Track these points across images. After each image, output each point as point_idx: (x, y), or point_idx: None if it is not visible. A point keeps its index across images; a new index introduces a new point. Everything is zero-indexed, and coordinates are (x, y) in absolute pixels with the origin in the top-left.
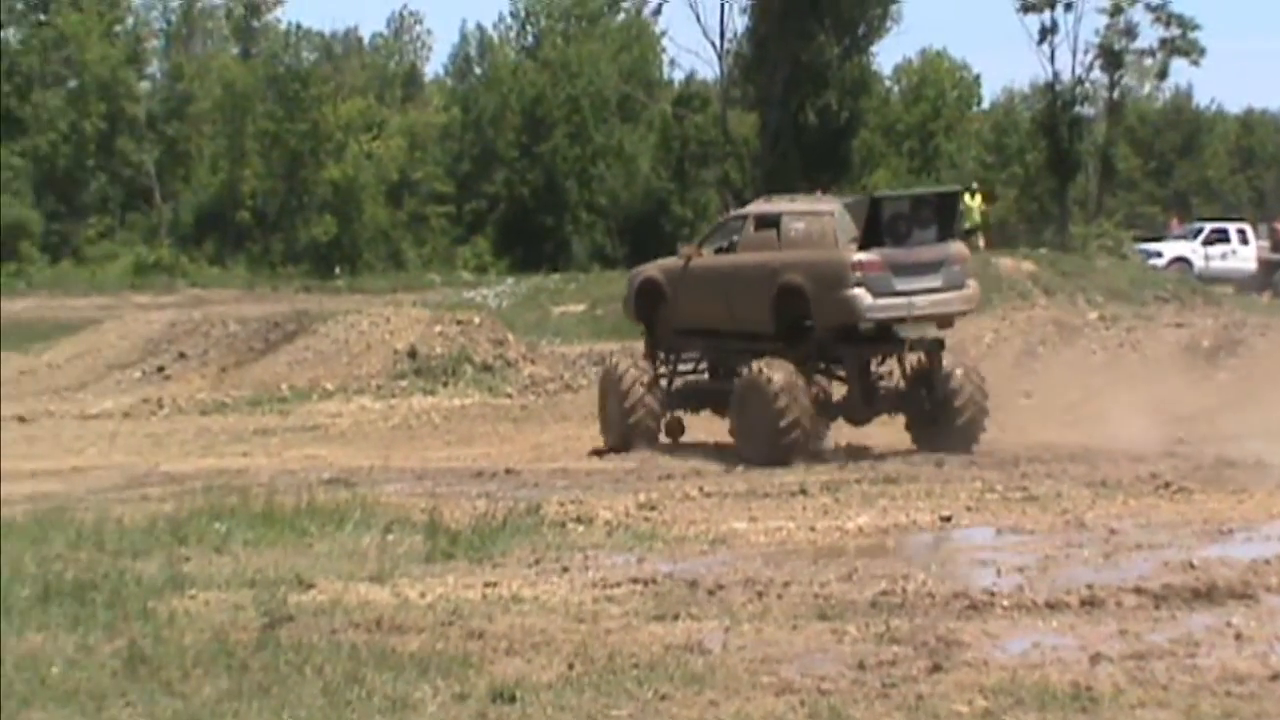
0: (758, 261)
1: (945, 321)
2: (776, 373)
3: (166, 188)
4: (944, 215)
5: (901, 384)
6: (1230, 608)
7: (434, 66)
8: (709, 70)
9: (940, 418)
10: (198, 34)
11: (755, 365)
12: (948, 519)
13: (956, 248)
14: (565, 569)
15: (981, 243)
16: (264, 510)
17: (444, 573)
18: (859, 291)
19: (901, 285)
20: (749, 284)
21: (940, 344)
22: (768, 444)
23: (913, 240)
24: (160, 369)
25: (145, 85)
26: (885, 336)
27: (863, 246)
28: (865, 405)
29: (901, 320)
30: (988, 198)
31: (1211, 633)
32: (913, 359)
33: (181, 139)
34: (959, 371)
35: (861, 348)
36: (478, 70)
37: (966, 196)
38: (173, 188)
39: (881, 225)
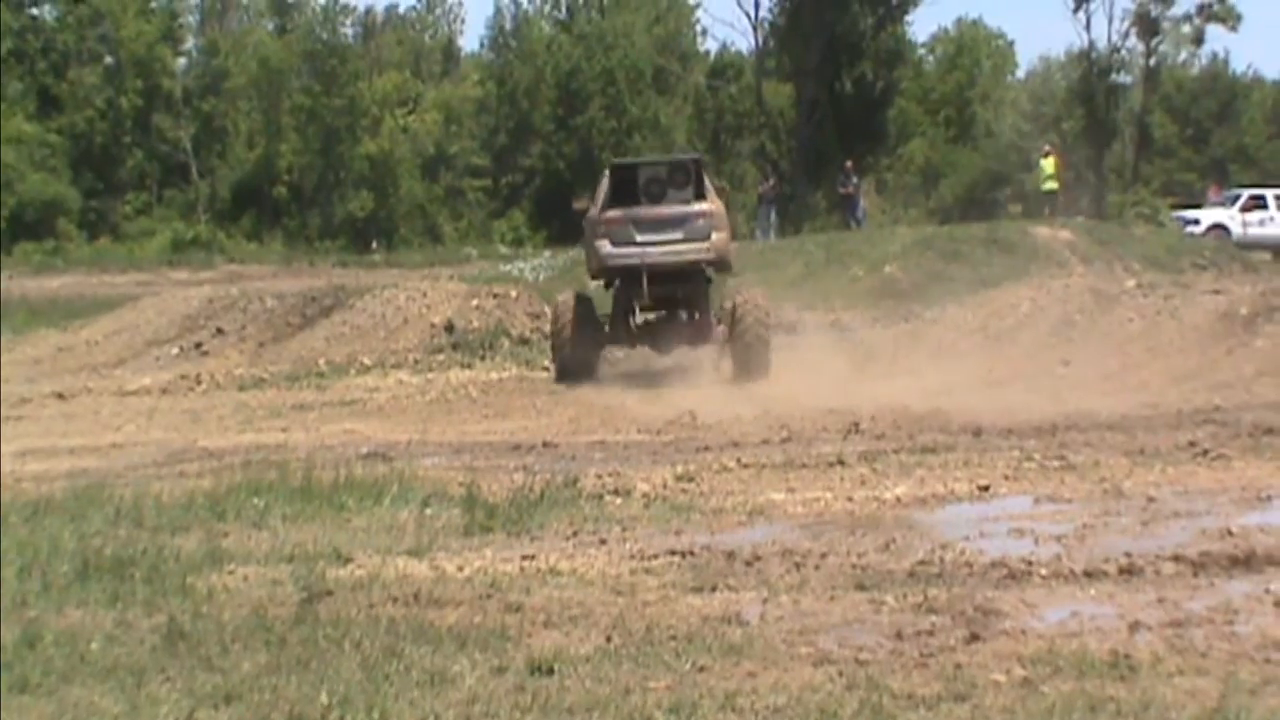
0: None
1: (690, 267)
2: (561, 303)
3: (203, 164)
4: (696, 179)
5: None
6: (1269, 575)
7: (470, 41)
8: (743, 41)
9: (731, 349)
10: (233, 9)
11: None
12: (985, 488)
13: (702, 207)
14: (603, 541)
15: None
16: (302, 485)
17: (482, 546)
18: (603, 242)
19: (641, 238)
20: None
21: (696, 287)
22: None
23: (667, 200)
24: (198, 345)
25: (181, 61)
26: (632, 278)
27: (613, 205)
28: (624, 334)
29: (635, 266)
30: (1061, 159)
31: (1250, 600)
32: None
33: (218, 115)
34: (739, 300)
35: (618, 287)
36: (512, 44)
37: (1042, 160)
38: (209, 164)
39: (638, 187)
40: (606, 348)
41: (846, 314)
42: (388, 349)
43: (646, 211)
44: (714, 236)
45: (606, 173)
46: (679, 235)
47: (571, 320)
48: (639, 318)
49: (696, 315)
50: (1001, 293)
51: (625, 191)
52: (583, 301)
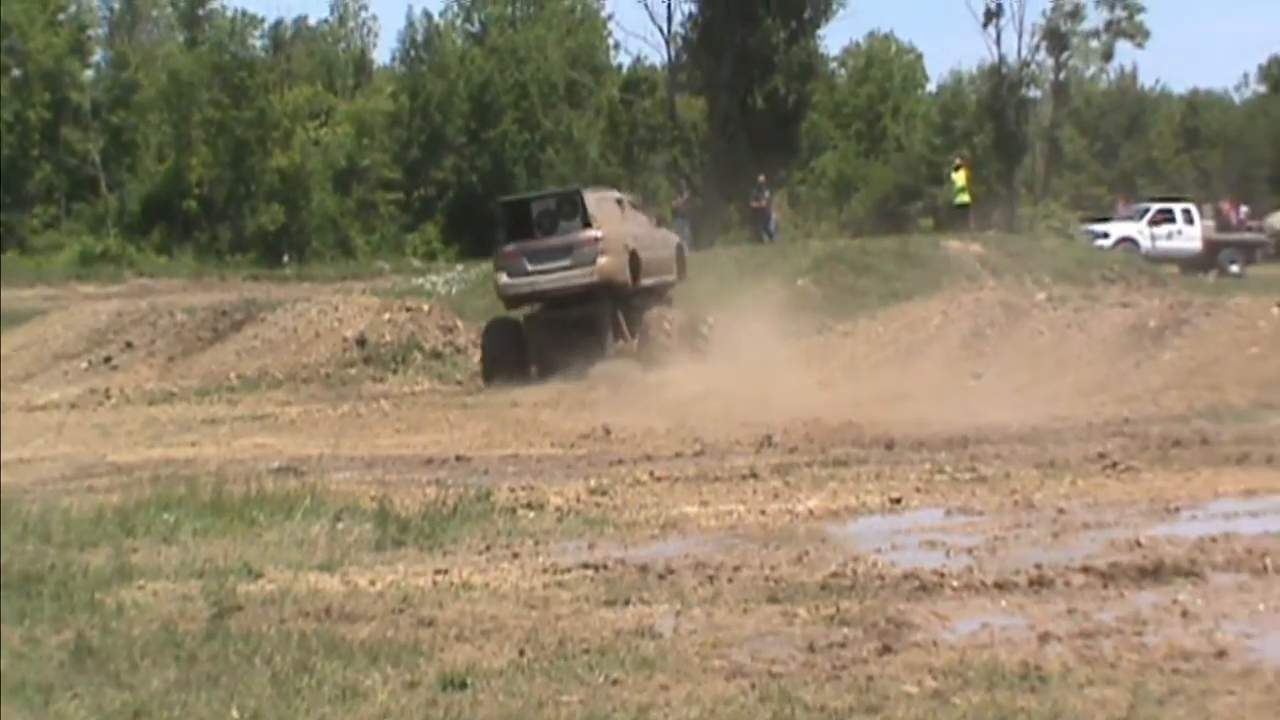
0: None
1: (580, 292)
2: (494, 324)
3: (112, 177)
4: (581, 209)
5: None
6: (1177, 585)
7: (382, 54)
8: (656, 55)
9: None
10: (142, 22)
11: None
12: (897, 501)
13: (587, 234)
14: (516, 555)
15: (969, 217)
16: (212, 500)
17: (394, 560)
18: (500, 274)
19: (532, 268)
20: None
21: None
22: None
23: (558, 231)
24: (107, 359)
25: (90, 74)
26: (533, 304)
27: (508, 239)
28: (535, 355)
29: (529, 294)
30: (970, 170)
31: (1159, 610)
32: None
33: (127, 128)
34: (649, 315)
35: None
36: (425, 57)
37: (953, 173)
38: (119, 177)
39: (530, 221)
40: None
41: (760, 327)
42: (299, 363)
43: (536, 244)
44: (600, 261)
45: (499, 209)
46: (567, 263)
47: (490, 345)
48: (547, 339)
49: (601, 333)
50: (913, 306)
51: (519, 225)
52: (502, 325)
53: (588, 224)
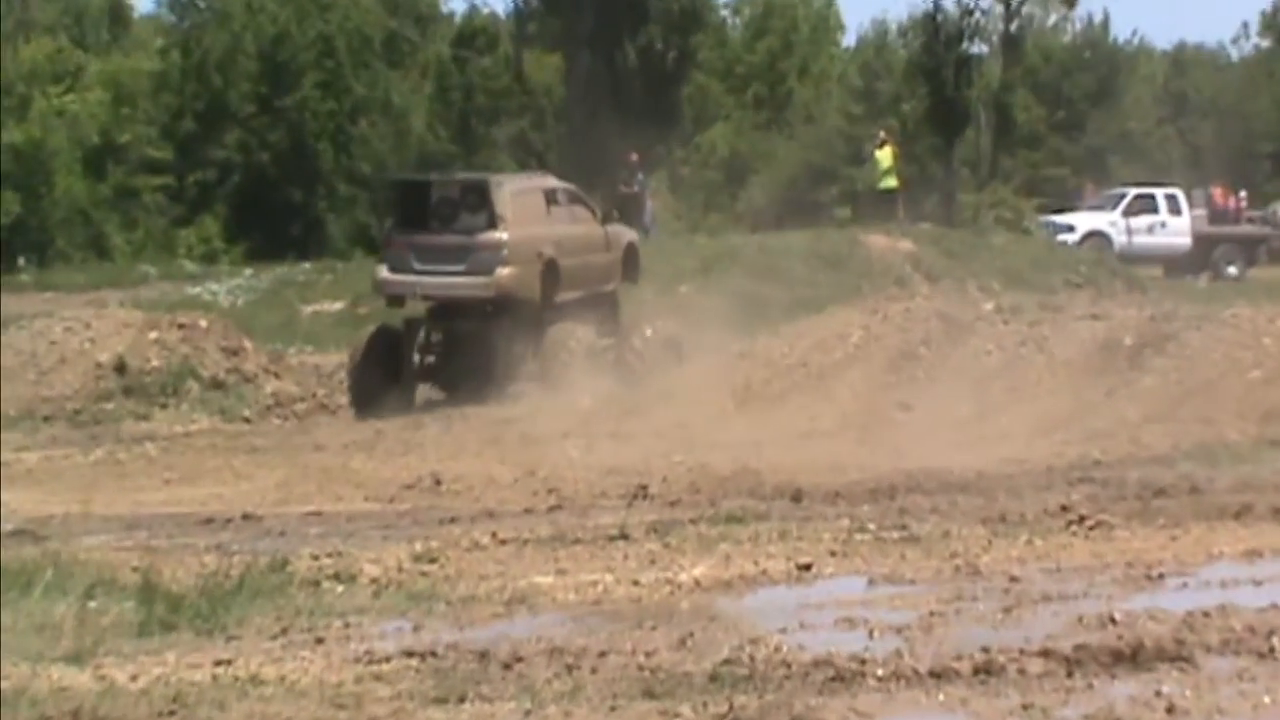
0: None
1: (469, 304)
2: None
3: None
4: (487, 203)
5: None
6: (1160, 673)
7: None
8: (499, 1)
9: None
10: None
11: None
12: (807, 567)
13: (485, 237)
14: (320, 640)
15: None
16: None
17: (162, 649)
18: (381, 266)
19: (419, 265)
20: None
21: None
22: None
23: (458, 225)
24: None
25: None
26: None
27: (402, 227)
28: (409, 372)
29: (406, 296)
30: (898, 147)
31: (1137, 705)
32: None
33: None
34: (560, 328)
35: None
36: (201, 3)
37: (876, 151)
38: None
39: (428, 209)
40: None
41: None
42: (39, 396)
43: (428, 238)
44: (500, 271)
45: (391, 190)
46: (461, 267)
47: (362, 359)
48: (429, 354)
49: (490, 356)
50: (827, 319)
51: (413, 212)
52: (382, 336)
53: (493, 223)
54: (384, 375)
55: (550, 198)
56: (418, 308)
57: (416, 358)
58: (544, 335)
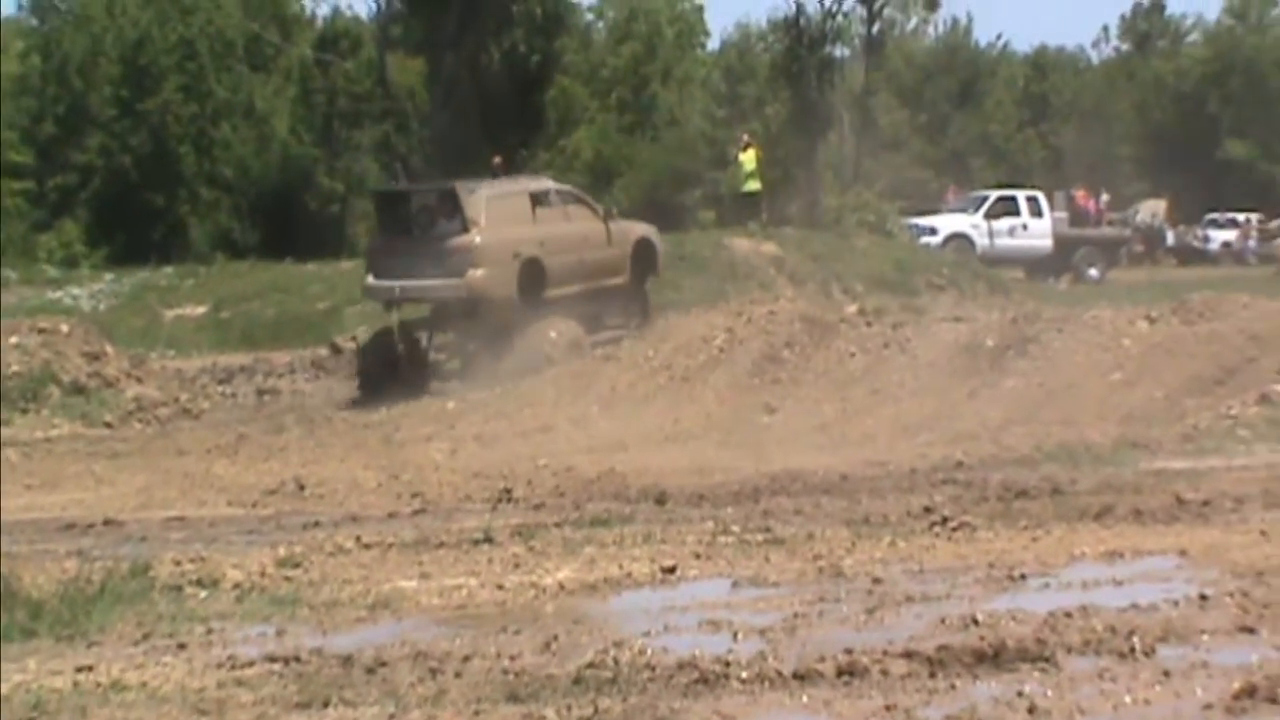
0: None
1: (449, 303)
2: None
3: None
4: (459, 208)
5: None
6: (1022, 673)
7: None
8: (362, 4)
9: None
10: None
11: None
12: (671, 570)
13: (457, 240)
14: (182, 646)
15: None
16: None
17: (22, 656)
18: (369, 273)
19: (400, 270)
20: None
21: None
22: None
23: (436, 230)
24: None
25: None
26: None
27: (383, 234)
28: (412, 371)
29: (393, 298)
30: (761, 150)
31: (999, 705)
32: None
33: None
34: (542, 324)
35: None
36: (61, 6)
37: (740, 154)
38: None
39: (410, 215)
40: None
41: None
42: None
43: (407, 243)
44: (471, 273)
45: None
46: (436, 269)
47: (366, 356)
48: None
49: (479, 348)
50: (690, 321)
51: (394, 220)
52: (382, 335)
53: (465, 227)
54: (386, 369)
55: (539, 200)
56: (421, 309)
57: (425, 353)
58: (527, 330)
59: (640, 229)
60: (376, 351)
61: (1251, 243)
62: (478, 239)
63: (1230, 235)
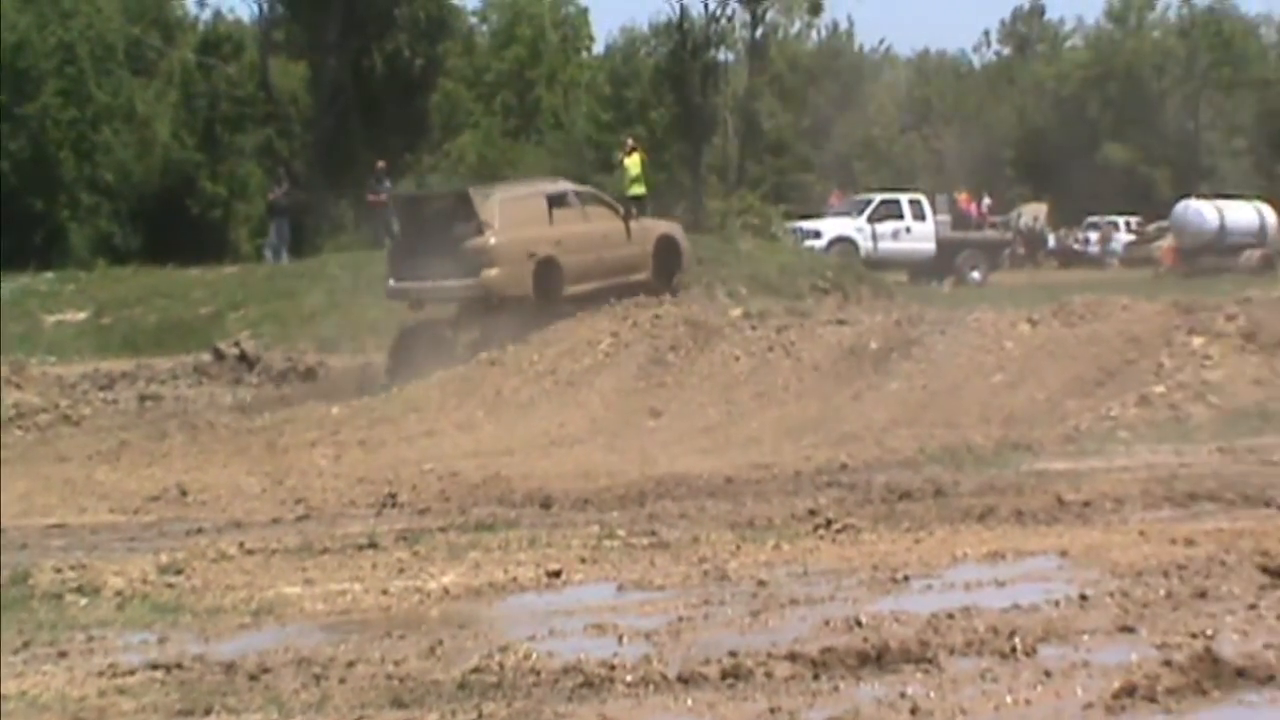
0: None
1: (467, 301)
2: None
3: None
4: (475, 212)
5: None
6: (905, 674)
7: None
8: (244, 8)
9: None
10: None
11: None
12: (556, 574)
13: (473, 243)
14: (63, 654)
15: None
16: None
17: None
18: (390, 277)
19: (420, 270)
20: None
21: None
22: None
23: (453, 233)
24: None
25: None
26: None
27: (403, 238)
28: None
29: (414, 298)
30: (646, 154)
31: (882, 706)
32: None
33: None
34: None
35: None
36: None
37: (625, 158)
38: None
39: (425, 220)
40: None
41: (381, 355)
42: None
43: (424, 246)
44: (485, 273)
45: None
46: (453, 269)
47: (397, 349)
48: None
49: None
50: (576, 326)
51: (413, 225)
52: (408, 332)
53: (479, 229)
54: (419, 360)
55: (557, 201)
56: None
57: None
58: (546, 325)
59: (663, 227)
60: (403, 346)
61: (1114, 245)
62: (492, 240)
63: (1114, 237)
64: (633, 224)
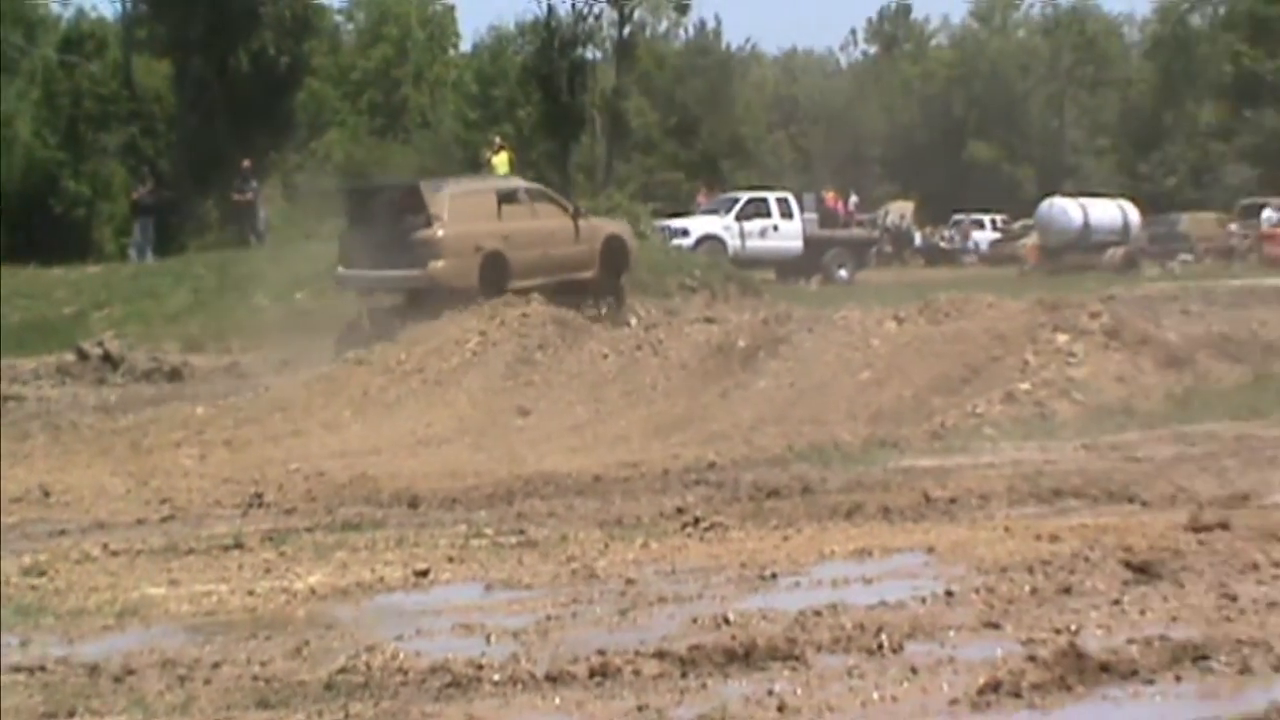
0: None
1: (413, 291)
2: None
3: None
4: (425, 205)
5: None
6: (772, 672)
7: None
8: (107, 6)
9: None
10: None
11: None
12: (424, 573)
13: (424, 234)
14: None
15: None
16: None
17: None
18: (339, 264)
19: (369, 260)
20: None
21: None
22: None
23: (401, 224)
24: None
25: None
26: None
27: (353, 228)
28: None
29: (359, 286)
30: (514, 152)
31: (750, 704)
32: None
33: None
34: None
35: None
36: None
37: (493, 156)
38: None
39: (374, 211)
40: None
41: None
42: None
43: (373, 236)
44: (432, 265)
45: (342, 197)
46: (402, 261)
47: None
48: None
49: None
50: (443, 325)
51: (362, 216)
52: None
53: (428, 222)
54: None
55: (506, 197)
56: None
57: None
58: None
59: (612, 227)
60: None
61: (971, 243)
62: (440, 232)
63: (979, 235)
64: (581, 223)
